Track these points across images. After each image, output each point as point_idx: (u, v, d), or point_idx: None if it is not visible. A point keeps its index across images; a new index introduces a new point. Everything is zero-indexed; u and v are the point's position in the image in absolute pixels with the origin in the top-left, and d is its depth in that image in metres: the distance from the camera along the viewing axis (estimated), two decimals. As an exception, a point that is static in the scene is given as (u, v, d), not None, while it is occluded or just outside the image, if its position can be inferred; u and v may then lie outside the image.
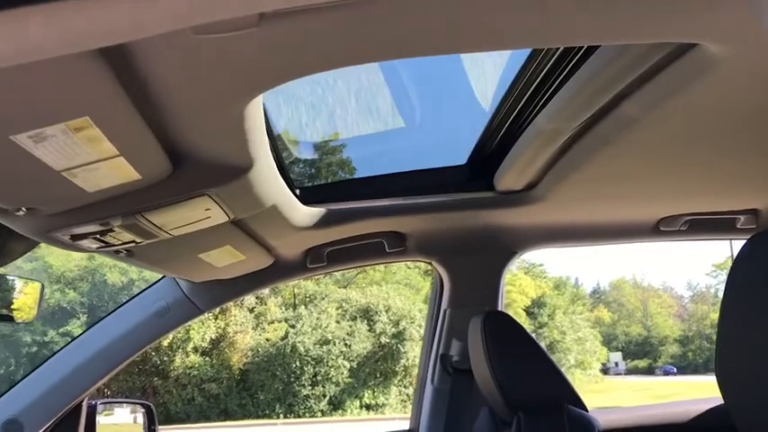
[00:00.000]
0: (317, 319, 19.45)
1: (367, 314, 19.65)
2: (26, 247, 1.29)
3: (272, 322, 19.72)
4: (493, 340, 1.62)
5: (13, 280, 1.35)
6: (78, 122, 0.73)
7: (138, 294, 1.99)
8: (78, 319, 18.96)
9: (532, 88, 1.31)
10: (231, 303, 18.99)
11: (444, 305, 2.12)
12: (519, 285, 25.95)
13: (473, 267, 2.09)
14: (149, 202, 1.10)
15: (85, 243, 1.20)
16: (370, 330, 19.31)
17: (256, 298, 19.80)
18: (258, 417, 18.45)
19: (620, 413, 2.36)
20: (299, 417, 18.50)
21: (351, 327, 19.41)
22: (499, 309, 2.09)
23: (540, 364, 1.63)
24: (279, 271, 1.96)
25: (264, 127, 1.06)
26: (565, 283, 35.54)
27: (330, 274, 19.20)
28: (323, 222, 1.76)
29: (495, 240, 2.03)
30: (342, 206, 1.77)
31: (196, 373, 18.58)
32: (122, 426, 2.28)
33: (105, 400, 2.13)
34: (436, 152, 1.85)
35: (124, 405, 2.46)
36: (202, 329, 18.46)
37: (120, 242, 1.25)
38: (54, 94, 0.68)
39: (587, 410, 1.59)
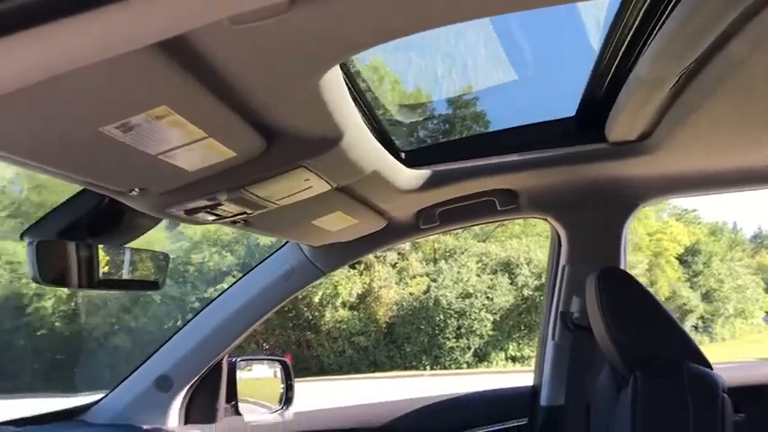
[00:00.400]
0: (458, 273, 19.57)
1: (508, 267, 19.51)
2: (152, 222, 1.41)
3: (414, 277, 20.10)
4: (607, 298, 1.57)
5: (146, 252, 1.48)
6: (158, 111, 0.79)
7: (266, 259, 2.12)
8: (234, 278, 20.34)
9: (631, 33, 1.23)
10: (374, 260, 19.59)
11: (563, 261, 2.07)
12: (670, 233, 24.53)
13: (591, 222, 2.02)
14: (250, 176, 1.16)
15: (200, 216, 1.29)
16: (511, 284, 19.19)
17: (398, 254, 20.25)
18: (406, 368, 19.00)
19: (748, 369, 2.21)
20: (446, 368, 18.85)
21: (492, 280, 19.37)
22: (622, 264, 2.02)
23: (658, 322, 1.57)
24: (393, 232, 2.00)
25: (349, 97, 1.08)
26: (721, 229, 32.98)
27: (468, 229, 19.24)
28: (431, 184, 1.77)
29: (612, 193, 1.95)
30: (449, 166, 1.77)
31: (345, 326, 19.40)
32: (263, 380, 2.45)
33: (244, 357, 2.29)
34: (543, 105, 1.79)
35: (264, 362, 2.63)
36: (349, 285, 19.20)
37: (231, 214, 1.32)
38: (127, 87, 0.74)
39: (711, 368, 1.52)
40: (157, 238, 19.54)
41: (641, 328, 1.56)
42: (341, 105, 1.04)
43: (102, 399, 2.02)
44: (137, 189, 1.08)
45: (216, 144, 0.96)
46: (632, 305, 1.58)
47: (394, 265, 20.26)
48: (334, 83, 0.94)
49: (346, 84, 1.20)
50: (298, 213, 1.52)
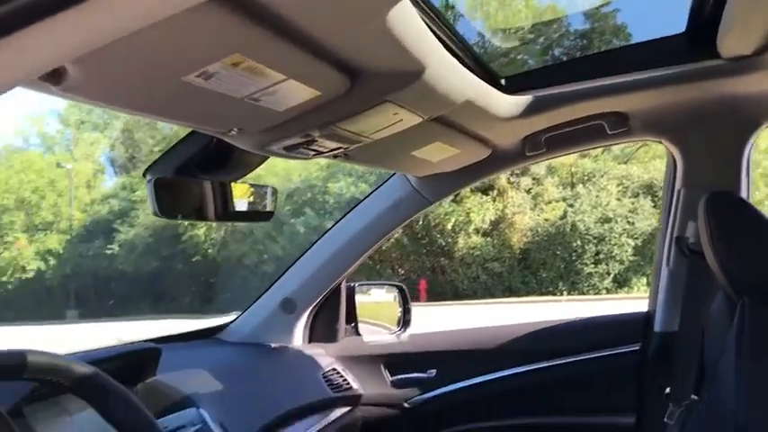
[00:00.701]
0: (597, 197, 18.95)
1: (651, 190, 18.62)
2: (259, 159, 1.51)
3: (550, 202, 19.69)
4: (716, 223, 1.51)
5: (255, 185, 1.59)
6: (232, 59, 0.85)
7: (376, 189, 2.20)
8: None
9: None
10: (508, 186, 19.37)
11: (678, 185, 1.98)
12: None
13: (708, 143, 1.90)
14: (339, 113, 1.20)
15: (300, 152, 1.36)
16: (654, 207, 18.31)
17: (532, 179, 19.86)
18: (542, 293, 18.90)
19: None
20: (583, 294, 18.55)
21: (633, 204, 18.62)
22: (743, 187, 1.89)
23: None
24: (498, 160, 2.00)
25: (426, 29, 1.09)
26: None
27: (608, 149, 18.43)
28: (535, 109, 1.74)
29: (730, 112, 1.82)
30: (553, 91, 1.73)
31: (479, 253, 19.49)
32: (382, 303, 2.58)
33: (362, 282, 2.42)
34: (651, 21, 1.69)
35: (385, 287, 2.75)
36: (482, 212, 19.17)
37: (329, 149, 1.38)
38: (196, 39, 0.80)
39: None
40: (295, 167, 20.44)
41: (752, 253, 1.48)
42: (417, 38, 1.05)
43: (235, 319, 2.23)
44: (235, 129, 1.17)
45: (298, 85, 1.02)
46: (742, 230, 1.50)
47: (528, 191, 19.93)
48: (403, 17, 0.95)
49: (427, 16, 1.20)
50: (395, 145, 1.55)
